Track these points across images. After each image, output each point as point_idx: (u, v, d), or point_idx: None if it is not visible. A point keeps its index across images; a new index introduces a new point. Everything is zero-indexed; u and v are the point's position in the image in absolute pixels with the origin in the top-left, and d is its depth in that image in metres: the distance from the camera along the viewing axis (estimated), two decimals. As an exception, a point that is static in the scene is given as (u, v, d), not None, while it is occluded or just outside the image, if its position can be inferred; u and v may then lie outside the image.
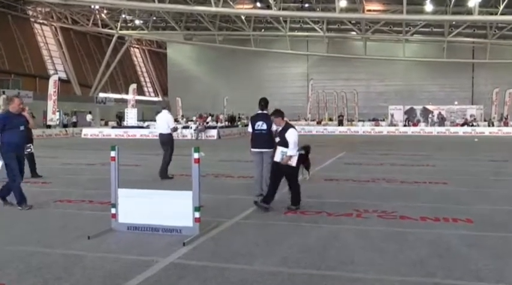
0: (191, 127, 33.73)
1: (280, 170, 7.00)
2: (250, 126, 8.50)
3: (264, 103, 8.61)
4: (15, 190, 7.20)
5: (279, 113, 7.42)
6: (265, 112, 8.57)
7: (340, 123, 42.74)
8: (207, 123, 35.87)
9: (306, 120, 48.16)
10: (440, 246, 5.36)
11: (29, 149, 10.30)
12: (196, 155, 5.65)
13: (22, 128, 7.22)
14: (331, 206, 7.51)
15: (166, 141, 11.04)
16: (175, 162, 12.45)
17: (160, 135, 11.13)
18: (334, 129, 39.45)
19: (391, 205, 7.62)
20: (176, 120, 42.15)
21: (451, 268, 4.69)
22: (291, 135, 7.23)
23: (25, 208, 7.14)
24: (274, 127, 8.49)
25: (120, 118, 43.88)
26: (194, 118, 44.53)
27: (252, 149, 8.18)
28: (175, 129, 11.09)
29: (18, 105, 7.21)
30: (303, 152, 7.10)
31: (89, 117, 40.98)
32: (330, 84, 54.99)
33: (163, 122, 11.10)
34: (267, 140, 8.29)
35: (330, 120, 49.04)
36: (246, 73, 59.31)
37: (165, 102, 44.08)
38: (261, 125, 8.34)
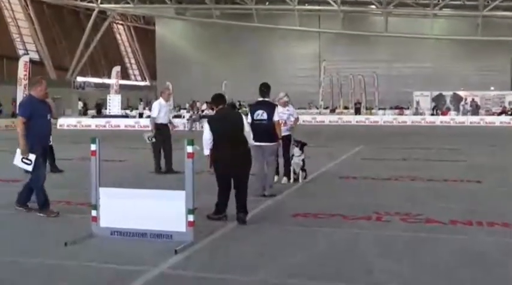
0: (184, 117, 33.81)
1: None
2: (249, 114, 8.52)
3: (265, 88, 8.59)
4: (38, 192, 6.89)
5: (217, 100, 6.85)
6: (266, 99, 8.57)
7: (357, 112, 42.70)
8: (202, 111, 35.90)
9: (317, 108, 48.13)
10: (472, 255, 5.37)
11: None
12: (189, 149, 5.66)
13: (49, 117, 7.06)
14: (347, 208, 7.53)
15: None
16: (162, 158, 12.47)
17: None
18: (350, 119, 39.45)
19: (416, 207, 7.64)
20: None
21: (485, 281, 4.70)
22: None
23: (51, 215, 6.83)
24: (276, 117, 8.49)
25: (99, 107, 43.80)
26: (187, 106, 44.63)
27: (253, 143, 8.17)
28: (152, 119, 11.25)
29: (44, 89, 7.01)
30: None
31: (79, 105, 40.85)
32: (346, 66, 54.83)
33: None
34: (267, 132, 8.29)
35: (346, 108, 48.97)
36: (248, 54, 59.23)
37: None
38: (261, 114, 8.35)
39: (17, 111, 7.14)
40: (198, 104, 41.69)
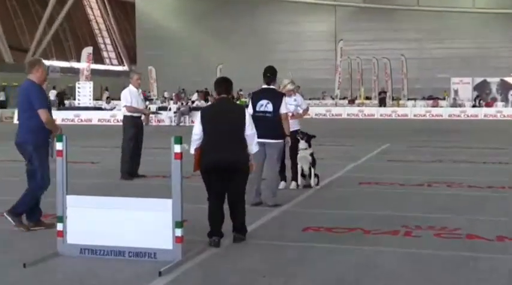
0: (170, 109, 33.86)
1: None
2: (250, 105, 8.52)
3: (270, 74, 8.59)
4: (32, 196, 6.95)
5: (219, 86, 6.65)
6: (272, 87, 8.57)
7: (382, 103, 42.75)
8: (193, 102, 35.95)
9: (333, 99, 48.18)
10: (524, 278, 5.37)
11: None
12: (177, 149, 5.66)
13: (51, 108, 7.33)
14: (369, 221, 7.53)
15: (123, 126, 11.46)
16: (146, 158, 12.48)
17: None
18: (373, 111, 39.50)
19: (454, 219, 7.64)
20: (148, 98, 42.46)
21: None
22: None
23: (20, 227, 6.88)
24: (284, 109, 8.47)
25: (61, 96, 43.53)
26: (174, 97, 44.66)
27: None
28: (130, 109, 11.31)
29: (44, 73, 7.22)
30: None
31: (52, 94, 40.64)
32: (367, 47, 54.89)
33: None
34: (272, 126, 8.30)
35: (368, 98, 49.02)
36: (248, 32, 59.27)
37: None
38: (265, 105, 8.35)
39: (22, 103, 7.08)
40: (179, 94, 41.70)
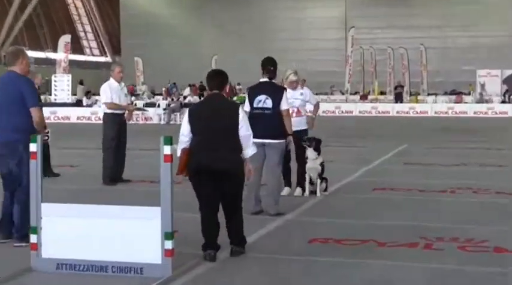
0: (159, 105, 33.87)
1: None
2: (246, 101, 8.55)
3: (270, 65, 8.58)
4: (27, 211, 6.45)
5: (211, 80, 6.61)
6: (266, 80, 8.56)
7: (399, 98, 42.72)
8: (184, 98, 35.98)
9: (342, 94, 48.18)
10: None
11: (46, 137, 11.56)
12: (167, 150, 5.66)
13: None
14: (384, 232, 7.54)
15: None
16: (132, 161, 12.48)
17: None
18: (388, 108, 39.50)
19: (481, 230, 7.64)
20: (134, 93, 42.45)
21: None
22: None
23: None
24: (285, 105, 8.46)
25: None
26: (163, 91, 44.66)
27: None
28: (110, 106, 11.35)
29: (28, 65, 7.29)
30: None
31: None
32: (382, 35, 54.90)
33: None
34: (272, 125, 8.32)
35: (382, 93, 49.00)
36: (246, 20, 59.26)
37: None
38: (264, 101, 8.37)
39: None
40: (167, 88, 41.66)
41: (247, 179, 6.65)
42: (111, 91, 11.24)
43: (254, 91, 8.53)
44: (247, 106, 8.44)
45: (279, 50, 49.04)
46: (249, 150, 6.52)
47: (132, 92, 44.08)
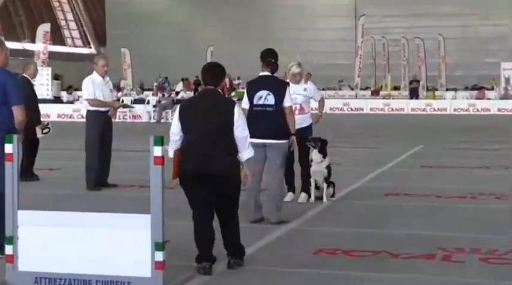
0: (149, 102, 33.87)
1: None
2: (245, 97, 8.56)
3: (271, 57, 8.58)
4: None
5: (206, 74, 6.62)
6: (268, 73, 8.57)
7: (414, 94, 42.70)
8: (177, 93, 35.98)
9: (352, 89, 48.13)
10: None
11: (47, 130, 12.10)
12: (157, 151, 5.67)
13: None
14: (398, 242, 7.55)
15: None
16: (118, 163, 12.50)
17: None
18: (402, 105, 39.45)
19: (505, 241, 7.64)
20: (119, 89, 42.41)
21: None
22: None
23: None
24: (288, 102, 8.48)
25: None
26: (154, 86, 44.57)
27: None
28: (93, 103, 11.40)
29: (7, 56, 7.45)
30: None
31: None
32: (396, 24, 54.73)
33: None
34: (274, 123, 8.34)
35: (396, 88, 48.91)
36: (245, 6, 59.14)
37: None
38: (265, 97, 8.37)
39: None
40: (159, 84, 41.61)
41: (243, 185, 6.65)
42: (94, 87, 11.25)
43: (254, 86, 8.53)
44: (246, 103, 8.44)
45: (282, 40, 48.98)
46: (246, 153, 6.48)
47: (119, 87, 44.05)
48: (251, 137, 7.82)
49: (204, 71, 6.60)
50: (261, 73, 8.55)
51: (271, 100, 8.36)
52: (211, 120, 6.33)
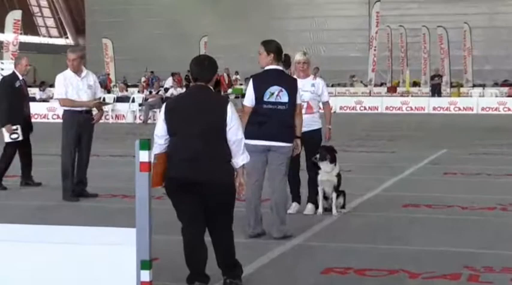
0: (134, 100, 33.87)
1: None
2: (250, 93, 8.48)
3: (280, 53, 8.56)
4: None
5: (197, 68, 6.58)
6: (279, 67, 8.56)
7: (436, 91, 42.71)
8: (166, 90, 36.01)
9: (365, 86, 48.21)
10: None
11: (15, 135, 11.98)
12: (143, 156, 5.65)
13: None
14: (418, 259, 7.53)
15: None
16: (99, 170, 12.45)
17: None
18: (422, 103, 39.47)
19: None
20: (102, 86, 42.37)
21: None
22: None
23: None
24: (298, 100, 8.49)
25: None
26: (142, 82, 44.56)
27: (250, 141, 8.03)
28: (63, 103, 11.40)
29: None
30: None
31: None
32: (415, 12, 54.88)
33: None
34: (287, 124, 8.38)
35: (416, 84, 48.98)
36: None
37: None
38: (278, 94, 8.35)
39: None
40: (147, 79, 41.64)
41: (238, 195, 6.58)
42: (66, 84, 11.24)
43: (263, 80, 8.47)
44: (250, 100, 8.39)
45: (285, 30, 49.16)
46: (241, 158, 6.42)
47: (108, 85, 44.07)
48: (255, 138, 7.81)
49: (194, 65, 6.55)
50: (270, 67, 8.48)
51: (284, 97, 8.35)
52: (201, 121, 6.31)
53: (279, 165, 8.48)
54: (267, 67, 8.49)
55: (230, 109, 6.36)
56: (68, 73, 11.36)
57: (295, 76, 9.65)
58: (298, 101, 8.57)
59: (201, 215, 6.32)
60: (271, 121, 8.18)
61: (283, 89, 8.34)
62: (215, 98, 6.75)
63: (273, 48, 8.50)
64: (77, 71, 11.34)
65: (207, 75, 6.51)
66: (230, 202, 6.46)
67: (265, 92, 8.34)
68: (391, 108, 38.82)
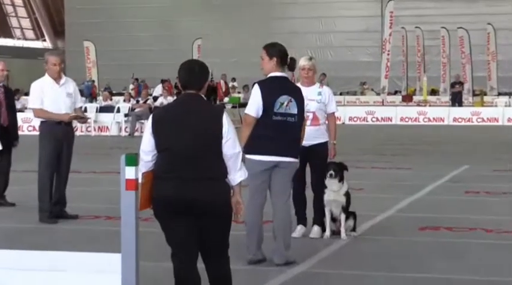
0: (119, 110, 33.85)
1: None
2: (257, 101, 8.44)
3: (284, 58, 8.59)
4: None
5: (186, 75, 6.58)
6: (284, 74, 8.60)
7: (457, 100, 42.74)
8: (155, 99, 36.03)
9: (378, 94, 48.21)
10: None
11: None
12: (130, 173, 5.66)
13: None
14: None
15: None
16: (79, 189, 12.42)
17: None
18: (442, 113, 39.45)
19: None
20: (82, 94, 42.41)
21: None
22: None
23: None
24: (304, 112, 8.58)
25: None
26: (130, 89, 44.56)
27: (254, 157, 8.16)
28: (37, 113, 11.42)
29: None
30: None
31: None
32: (433, 11, 54.93)
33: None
34: (296, 138, 8.46)
35: (434, 92, 48.95)
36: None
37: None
38: (288, 104, 8.36)
39: None
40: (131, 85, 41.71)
41: (236, 217, 6.55)
42: (42, 93, 11.22)
43: (272, 88, 8.46)
44: (254, 110, 8.36)
45: (288, 32, 49.14)
46: (238, 175, 6.37)
47: (94, 93, 44.08)
48: (263, 154, 7.80)
49: (183, 71, 6.49)
50: (275, 74, 8.49)
51: (293, 108, 8.38)
52: (193, 134, 6.27)
53: (285, 183, 8.51)
54: (272, 74, 8.49)
55: (226, 120, 6.31)
56: (47, 80, 11.33)
57: (299, 84, 9.67)
58: (305, 112, 8.65)
59: (193, 239, 6.28)
60: (281, 135, 8.21)
61: (292, 99, 8.37)
62: (208, 108, 6.67)
63: (275, 52, 8.52)
64: (57, 78, 11.34)
65: (197, 83, 6.45)
66: (226, 225, 6.39)
67: (276, 102, 8.34)
68: (406, 119, 38.85)
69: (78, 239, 9.81)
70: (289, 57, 8.63)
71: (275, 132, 8.19)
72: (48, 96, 11.24)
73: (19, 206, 12.50)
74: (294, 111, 8.36)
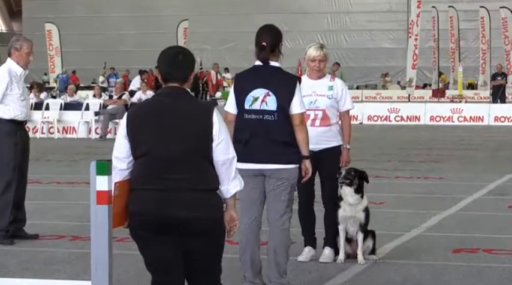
0: (89, 108, 33.86)
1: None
2: (231, 98, 8.57)
3: (273, 37, 8.57)
4: None
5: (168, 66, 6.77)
6: (274, 64, 8.56)
7: (499, 95, 42.72)
8: (131, 94, 36.06)
9: (403, 88, 48.19)
10: None
11: None
12: (102, 184, 5.69)
13: None
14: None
15: None
16: (38, 202, 12.45)
17: None
18: (481, 112, 39.40)
19: None
20: (44, 88, 42.41)
21: None
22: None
23: None
24: (298, 107, 8.36)
25: None
26: (100, 82, 44.55)
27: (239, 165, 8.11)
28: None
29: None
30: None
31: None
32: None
33: None
34: (276, 139, 8.35)
35: (470, 85, 48.91)
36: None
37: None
38: (263, 99, 8.37)
39: None
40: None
41: (230, 235, 6.56)
42: (9, 83, 11.25)
43: (245, 81, 8.56)
44: (231, 107, 8.46)
45: (291, 14, 49.18)
46: (232, 184, 6.38)
47: (76, 83, 44.14)
48: (242, 161, 7.73)
49: (163, 60, 6.46)
50: (257, 63, 8.52)
51: (271, 104, 8.34)
52: (176, 136, 6.27)
53: (276, 195, 8.42)
54: (256, 63, 8.50)
55: (217, 119, 6.28)
56: (13, 68, 11.27)
57: (304, 76, 9.65)
58: (299, 109, 8.45)
59: (179, 264, 6.28)
60: (257, 138, 8.20)
61: (270, 93, 8.33)
62: (195, 104, 6.61)
63: (265, 37, 8.52)
64: (26, 67, 11.38)
65: (181, 74, 6.41)
66: (218, 246, 6.40)
67: (247, 97, 8.37)
68: (437, 118, 38.85)
69: (39, 263, 9.81)
70: (273, 37, 8.53)
71: (249, 134, 8.19)
72: (18, 87, 11.27)
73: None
74: (273, 107, 8.30)
